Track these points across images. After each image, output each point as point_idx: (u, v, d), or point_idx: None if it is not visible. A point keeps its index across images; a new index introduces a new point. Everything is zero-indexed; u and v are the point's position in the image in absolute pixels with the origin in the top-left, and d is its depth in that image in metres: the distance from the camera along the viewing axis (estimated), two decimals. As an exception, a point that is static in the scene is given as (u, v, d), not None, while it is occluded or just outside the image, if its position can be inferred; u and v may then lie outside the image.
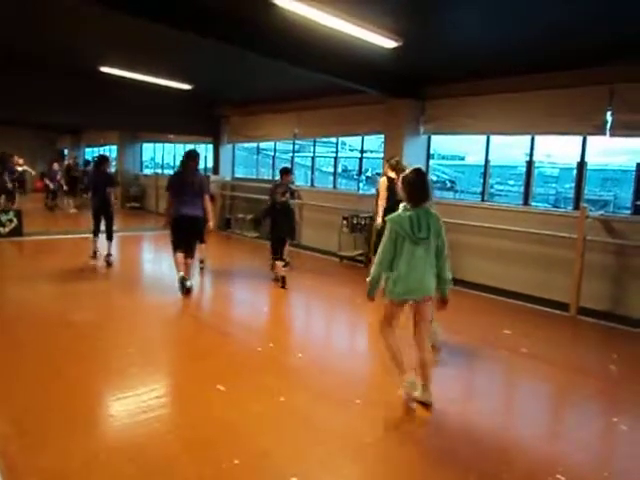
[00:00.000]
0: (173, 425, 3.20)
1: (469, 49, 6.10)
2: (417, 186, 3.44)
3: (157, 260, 9.17)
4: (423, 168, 3.60)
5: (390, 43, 5.52)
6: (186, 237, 6.18)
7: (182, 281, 6.05)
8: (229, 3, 5.11)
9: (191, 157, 6.30)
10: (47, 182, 15.41)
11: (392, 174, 5.82)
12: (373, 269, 3.52)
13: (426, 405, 3.51)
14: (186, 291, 6.07)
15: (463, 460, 2.94)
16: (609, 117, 6.24)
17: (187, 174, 6.20)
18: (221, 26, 5.51)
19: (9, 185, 12.42)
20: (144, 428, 3.10)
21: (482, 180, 8.09)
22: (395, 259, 3.41)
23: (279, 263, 6.94)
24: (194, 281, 6.59)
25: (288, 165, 9.32)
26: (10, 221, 9.73)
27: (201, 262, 7.72)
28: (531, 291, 6.99)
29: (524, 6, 4.59)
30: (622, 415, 3.66)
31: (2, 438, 2.92)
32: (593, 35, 5.30)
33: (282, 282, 6.80)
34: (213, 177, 12.76)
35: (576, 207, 6.72)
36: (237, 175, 13.32)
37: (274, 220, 7.04)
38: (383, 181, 6.09)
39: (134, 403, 3.41)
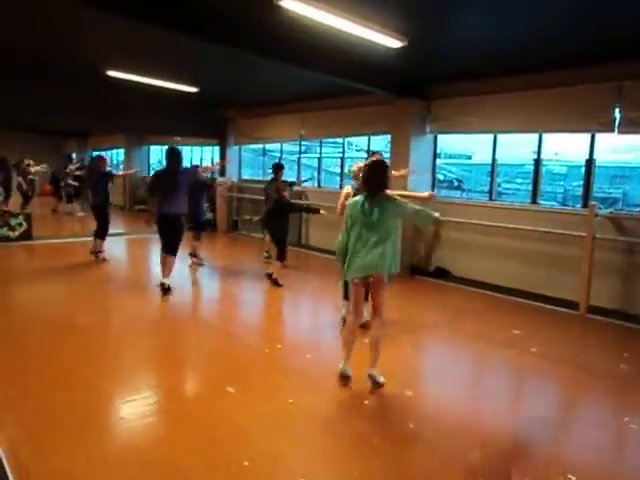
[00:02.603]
0: (183, 427, 3.21)
1: (475, 48, 6.07)
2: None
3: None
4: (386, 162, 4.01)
5: (395, 43, 5.50)
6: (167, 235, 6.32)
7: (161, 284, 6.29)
8: (234, 6, 5.12)
9: (172, 154, 6.36)
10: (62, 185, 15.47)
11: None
12: None
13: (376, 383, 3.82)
14: (163, 291, 6.22)
15: (473, 461, 2.93)
16: (617, 114, 6.20)
17: (169, 172, 6.29)
18: (226, 30, 5.51)
19: (24, 187, 13.26)
20: (154, 430, 3.12)
21: (489, 179, 8.05)
22: None
23: (278, 263, 7.03)
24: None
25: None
26: (20, 225, 9.80)
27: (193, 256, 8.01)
28: (540, 290, 6.95)
29: (530, 5, 4.57)
30: (633, 415, 3.63)
31: (12, 442, 2.94)
32: (600, 33, 5.26)
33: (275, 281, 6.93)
34: (220, 179, 12.83)
35: (585, 205, 6.67)
36: (244, 177, 13.35)
37: (283, 218, 7.13)
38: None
39: (143, 405, 3.43)
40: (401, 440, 3.15)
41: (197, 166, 8.41)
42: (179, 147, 7.03)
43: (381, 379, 3.83)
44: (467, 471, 2.83)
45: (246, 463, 2.77)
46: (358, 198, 3.80)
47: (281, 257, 6.97)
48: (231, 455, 2.86)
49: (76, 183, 14.78)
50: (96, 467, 2.71)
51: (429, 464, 2.90)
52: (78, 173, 14.73)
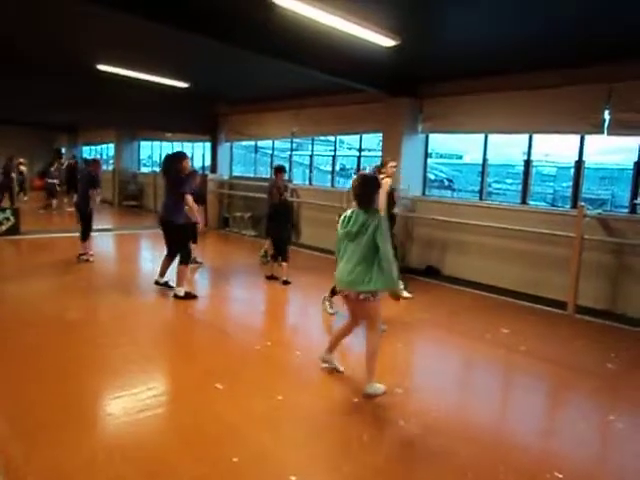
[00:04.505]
0: (172, 424, 3.20)
1: (467, 47, 6.10)
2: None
3: (154, 259, 9.15)
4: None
5: (388, 42, 5.52)
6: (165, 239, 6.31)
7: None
8: (228, 2, 5.09)
9: (166, 159, 6.41)
10: (49, 181, 15.37)
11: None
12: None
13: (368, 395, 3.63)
14: (155, 282, 6.45)
15: (461, 459, 2.94)
16: (607, 116, 6.25)
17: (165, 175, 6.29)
18: (220, 25, 5.49)
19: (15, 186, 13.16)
20: (143, 427, 3.10)
21: (480, 179, 8.10)
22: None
23: (285, 264, 7.06)
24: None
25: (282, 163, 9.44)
26: (7, 219, 9.68)
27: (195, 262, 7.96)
28: (529, 290, 7.00)
29: (522, 5, 4.59)
30: (619, 413, 3.68)
31: (1, 438, 2.91)
32: (591, 34, 5.30)
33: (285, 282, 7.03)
34: (211, 175, 12.77)
35: (574, 206, 6.74)
36: (235, 173, 13.31)
37: (285, 218, 7.19)
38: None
39: (133, 402, 3.40)
40: (390, 437, 3.16)
41: (196, 171, 8.30)
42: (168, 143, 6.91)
43: (372, 390, 3.64)
44: (456, 468, 2.85)
45: (235, 459, 2.77)
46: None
47: (284, 258, 7.07)
48: (220, 451, 2.86)
49: (57, 181, 14.86)
50: (86, 463, 2.69)
51: (418, 461, 2.91)
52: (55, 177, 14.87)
